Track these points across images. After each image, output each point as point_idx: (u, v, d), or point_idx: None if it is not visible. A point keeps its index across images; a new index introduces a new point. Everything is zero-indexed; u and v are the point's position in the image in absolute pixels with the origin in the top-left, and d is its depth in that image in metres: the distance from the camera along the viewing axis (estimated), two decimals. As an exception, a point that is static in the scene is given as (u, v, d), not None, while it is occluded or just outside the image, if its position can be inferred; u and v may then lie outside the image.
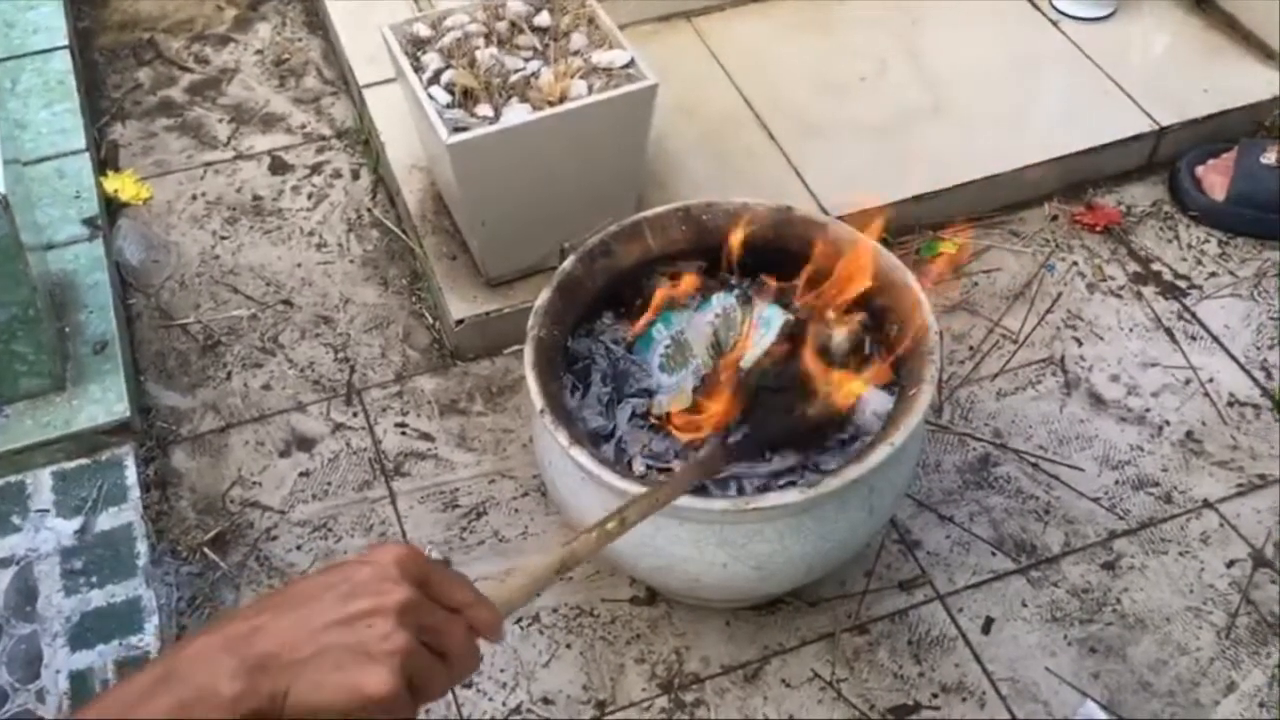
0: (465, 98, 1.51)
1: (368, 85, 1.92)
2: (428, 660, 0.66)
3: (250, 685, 0.62)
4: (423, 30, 1.60)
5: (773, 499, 1.13)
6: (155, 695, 0.62)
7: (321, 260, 1.79)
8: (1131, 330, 1.70)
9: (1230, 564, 1.45)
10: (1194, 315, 1.72)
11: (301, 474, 1.54)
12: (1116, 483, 1.53)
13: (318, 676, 0.63)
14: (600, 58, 1.55)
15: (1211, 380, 1.64)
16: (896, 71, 1.97)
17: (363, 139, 1.96)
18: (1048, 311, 1.72)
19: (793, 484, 1.18)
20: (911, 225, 1.79)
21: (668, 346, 1.31)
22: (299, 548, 1.46)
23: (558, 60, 1.55)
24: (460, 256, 1.69)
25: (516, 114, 1.49)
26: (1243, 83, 1.93)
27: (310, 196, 1.88)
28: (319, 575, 0.68)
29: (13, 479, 1.48)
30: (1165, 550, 1.46)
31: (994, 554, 1.46)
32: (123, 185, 1.87)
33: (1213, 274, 1.77)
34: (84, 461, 1.51)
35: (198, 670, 0.63)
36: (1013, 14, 2.08)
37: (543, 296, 1.29)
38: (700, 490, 1.20)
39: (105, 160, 1.92)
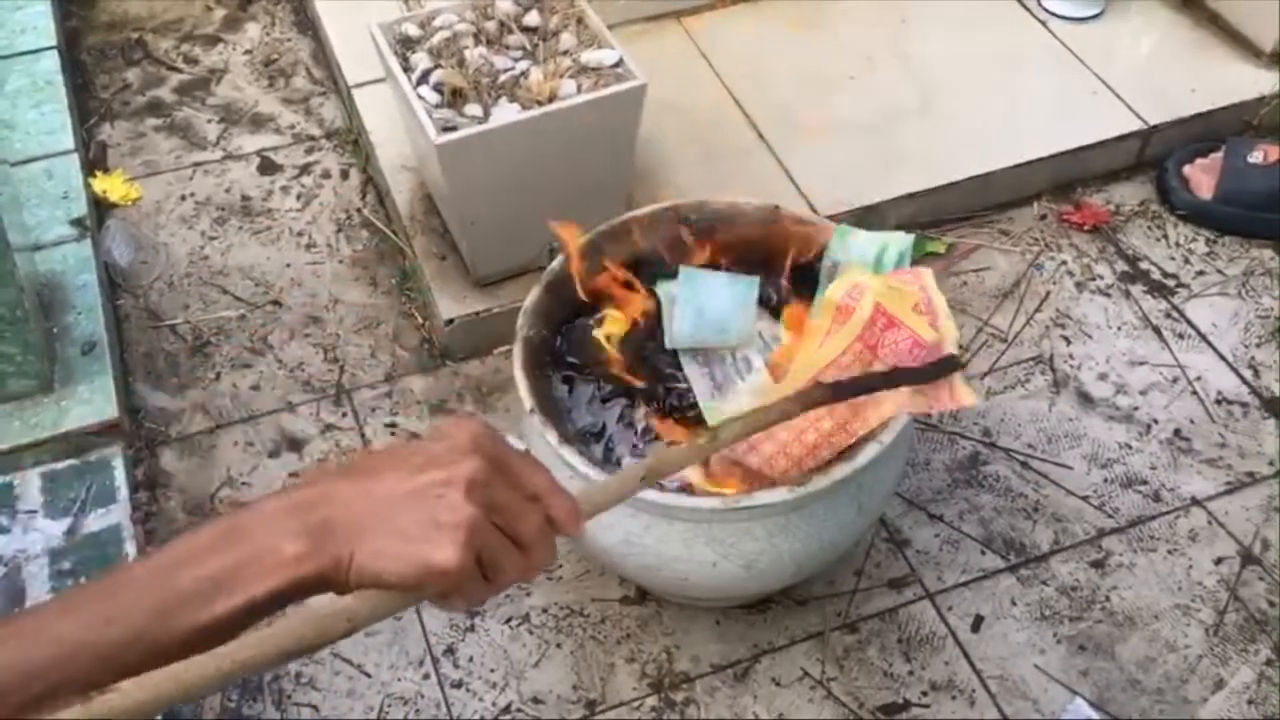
0: (454, 97, 1.51)
1: (357, 85, 1.92)
2: (497, 540, 0.63)
3: (313, 546, 0.61)
4: (412, 30, 1.59)
5: (761, 497, 1.13)
6: (215, 551, 0.61)
7: (311, 260, 1.79)
8: (1120, 329, 1.70)
9: (1218, 561, 1.45)
10: (1182, 314, 1.72)
11: (291, 474, 1.53)
12: (1105, 481, 1.53)
13: (383, 544, 0.62)
14: (589, 57, 1.55)
15: (1199, 378, 1.64)
16: (885, 70, 1.97)
17: (352, 139, 1.96)
18: (1036, 310, 1.72)
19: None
20: (901, 224, 1.79)
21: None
22: (288, 548, 1.46)
23: (547, 60, 1.55)
24: (450, 256, 1.68)
25: (505, 114, 1.49)
26: (1231, 82, 1.94)
27: (299, 197, 1.88)
28: (392, 449, 0.67)
29: (0, 480, 1.48)
30: (1154, 548, 1.47)
31: (983, 552, 1.46)
32: (111, 186, 1.86)
33: (1201, 273, 1.78)
34: (72, 462, 1.50)
35: (260, 530, 0.62)
36: (1001, 13, 2.08)
37: (532, 296, 1.29)
38: (688, 490, 1.20)
39: (94, 161, 1.92)
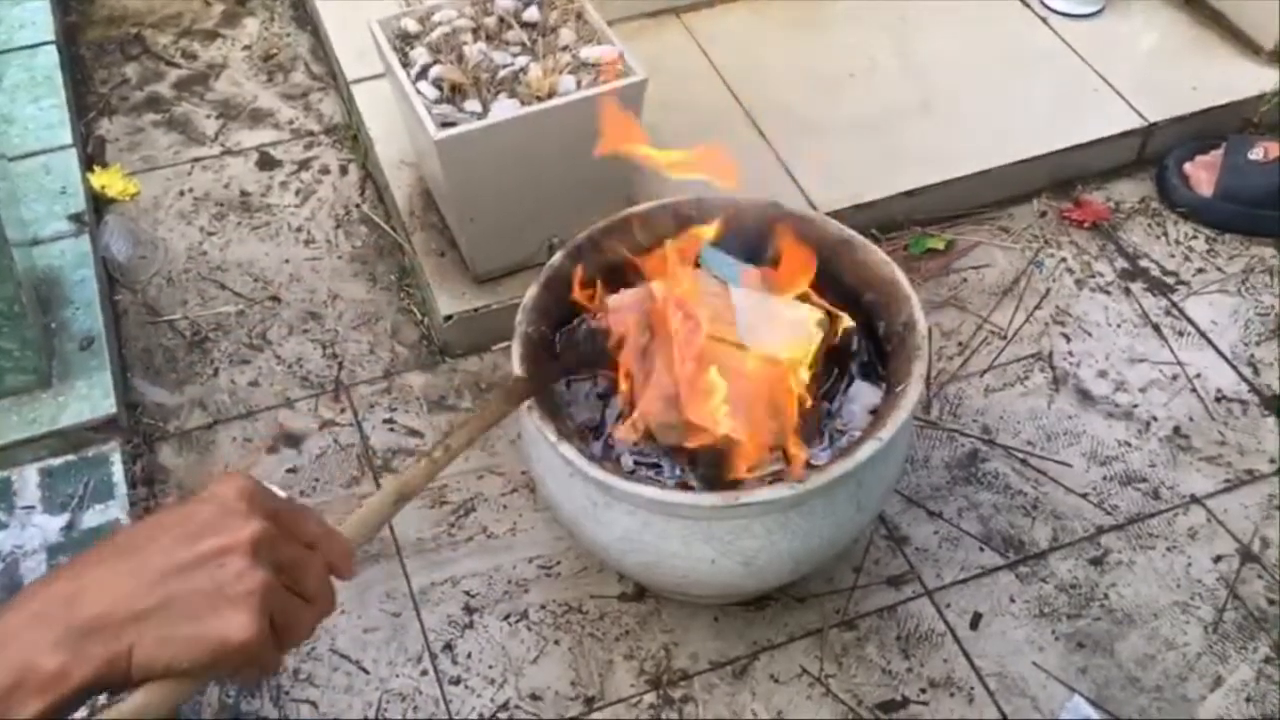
0: (453, 93, 1.51)
1: (356, 80, 1.92)
2: (289, 599, 0.59)
3: (74, 653, 0.54)
4: (411, 25, 1.59)
5: (760, 494, 1.13)
6: None
7: (309, 256, 1.79)
8: (1119, 326, 1.70)
9: (1217, 559, 1.45)
10: (1182, 311, 1.72)
11: (289, 470, 1.53)
12: (1104, 478, 1.53)
13: (165, 630, 0.56)
14: (589, 53, 1.54)
15: (1199, 376, 1.64)
16: (886, 68, 1.97)
17: (351, 134, 1.96)
18: (1036, 308, 1.72)
19: (780, 480, 1.18)
20: (901, 221, 1.79)
21: None
22: (287, 544, 1.46)
23: (546, 55, 1.54)
24: (449, 252, 1.68)
25: (505, 109, 1.48)
26: (1231, 79, 1.94)
27: (298, 192, 1.88)
28: (152, 518, 0.60)
29: (-1, 476, 1.48)
30: (1153, 545, 1.47)
31: (982, 549, 1.46)
32: (110, 181, 1.86)
33: (1200, 270, 1.77)
34: (70, 458, 1.50)
35: (11, 648, 0.54)
36: (1002, 10, 2.08)
37: (531, 292, 1.29)
38: (688, 487, 1.20)
39: (92, 156, 1.92)
